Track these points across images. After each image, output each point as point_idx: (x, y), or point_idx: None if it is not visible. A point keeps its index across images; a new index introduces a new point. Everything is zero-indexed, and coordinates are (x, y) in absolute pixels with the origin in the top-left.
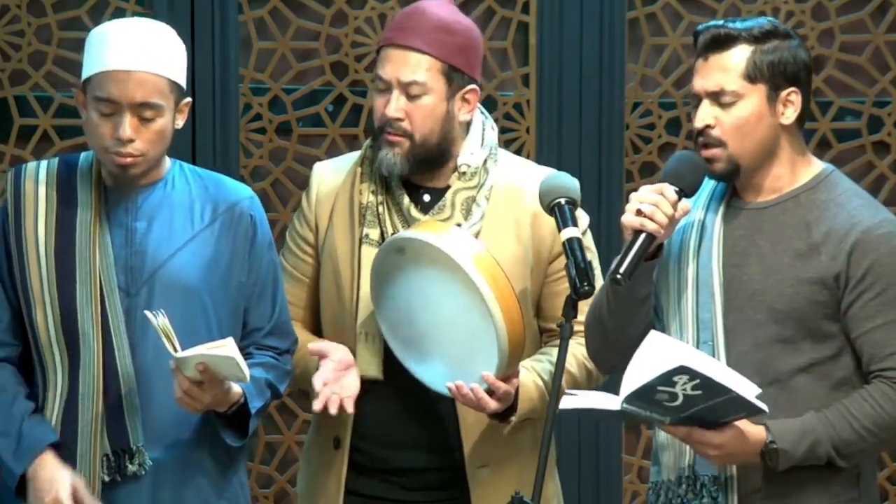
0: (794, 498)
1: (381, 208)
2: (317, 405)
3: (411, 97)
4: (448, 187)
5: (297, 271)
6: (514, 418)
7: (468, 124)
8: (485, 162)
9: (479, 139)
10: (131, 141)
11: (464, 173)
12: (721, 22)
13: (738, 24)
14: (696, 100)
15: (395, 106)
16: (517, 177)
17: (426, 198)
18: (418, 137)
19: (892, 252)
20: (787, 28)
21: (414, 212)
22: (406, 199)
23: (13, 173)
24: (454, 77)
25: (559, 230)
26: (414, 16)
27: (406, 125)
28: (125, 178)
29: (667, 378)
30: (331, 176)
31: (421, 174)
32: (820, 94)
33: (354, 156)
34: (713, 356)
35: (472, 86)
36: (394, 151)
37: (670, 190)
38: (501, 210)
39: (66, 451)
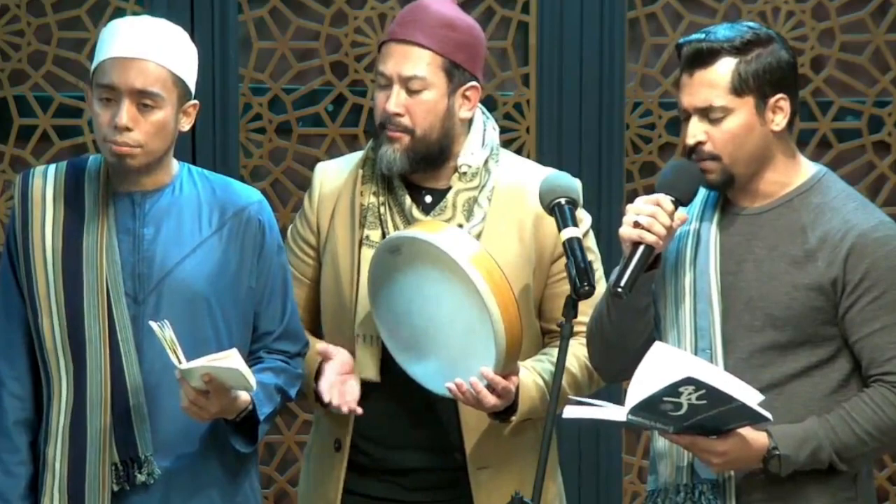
0: (793, 499)
1: (382, 209)
2: (331, 402)
3: (412, 92)
4: (449, 188)
5: (297, 272)
6: (514, 418)
7: (469, 124)
8: (486, 162)
9: (479, 139)
10: (128, 130)
11: (464, 173)
12: (702, 35)
13: (720, 36)
14: (685, 115)
15: (395, 101)
16: (519, 177)
17: (428, 199)
18: (419, 133)
19: (887, 255)
20: (768, 31)
21: (416, 213)
22: (408, 200)
23: (21, 177)
24: (455, 73)
25: (559, 230)
26: (416, 11)
27: (406, 121)
28: (124, 170)
29: (673, 389)
30: (333, 176)
31: (422, 173)
32: (820, 94)
33: (357, 156)
34: (711, 363)
35: (474, 83)
36: (394, 148)
37: (667, 200)
38: (504, 211)
39: (74, 460)
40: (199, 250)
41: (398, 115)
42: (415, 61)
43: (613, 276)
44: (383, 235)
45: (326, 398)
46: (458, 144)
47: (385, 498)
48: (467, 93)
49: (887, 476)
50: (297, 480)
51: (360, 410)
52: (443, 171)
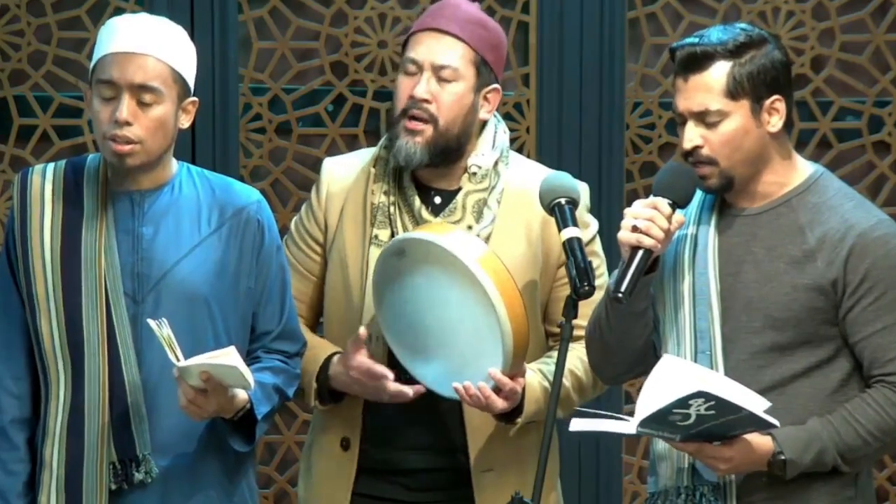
0: (794, 499)
1: (392, 209)
2: (409, 391)
3: (441, 81)
4: (459, 189)
5: (302, 267)
6: (520, 420)
7: (482, 126)
8: (496, 164)
9: (490, 141)
10: (128, 124)
11: (474, 174)
12: (695, 39)
13: (713, 39)
14: (681, 119)
15: (424, 87)
16: (528, 180)
17: (437, 199)
18: (442, 123)
19: (888, 255)
20: (762, 32)
21: (425, 213)
22: (417, 201)
23: (20, 176)
24: (483, 71)
25: (559, 230)
26: (449, 7)
27: (433, 108)
28: (124, 170)
29: (683, 402)
30: (342, 173)
31: (433, 172)
32: (820, 94)
33: (365, 154)
34: (711, 366)
35: (496, 85)
36: (414, 140)
37: (664, 203)
38: (512, 213)
39: (72, 459)
40: (198, 250)
41: (425, 101)
42: (448, 51)
43: (612, 281)
44: (392, 235)
45: (409, 391)
46: (471, 145)
47: (387, 498)
48: (489, 94)
49: (887, 476)
50: (297, 480)
51: (411, 393)
52: (453, 171)
